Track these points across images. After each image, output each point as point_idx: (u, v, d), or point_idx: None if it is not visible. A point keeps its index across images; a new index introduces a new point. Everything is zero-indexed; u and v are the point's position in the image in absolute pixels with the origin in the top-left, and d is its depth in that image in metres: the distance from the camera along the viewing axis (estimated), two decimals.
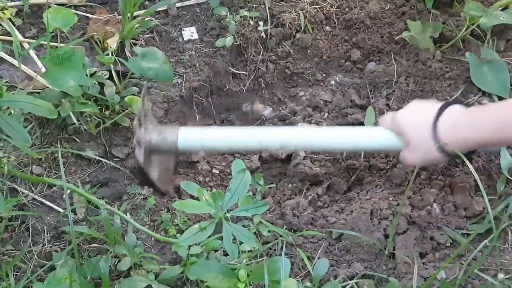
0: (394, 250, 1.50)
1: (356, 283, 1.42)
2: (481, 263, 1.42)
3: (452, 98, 1.79)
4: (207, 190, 1.39)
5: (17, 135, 1.20)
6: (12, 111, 1.45)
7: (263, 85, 1.98)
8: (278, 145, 1.60)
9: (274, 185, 1.73)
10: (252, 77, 1.96)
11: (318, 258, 1.48)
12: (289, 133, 1.62)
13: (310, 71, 2.01)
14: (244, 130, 1.68)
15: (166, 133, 1.56)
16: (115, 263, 1.39)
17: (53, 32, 1.68)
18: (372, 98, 1.92)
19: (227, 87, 1.93)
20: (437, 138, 1.45)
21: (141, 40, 1.84)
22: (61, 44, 1.70)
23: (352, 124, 1.85)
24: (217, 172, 1.77)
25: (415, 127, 1.50)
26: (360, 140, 1.61)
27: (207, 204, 1.25)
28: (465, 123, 1.44)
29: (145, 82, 1.69)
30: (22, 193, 1.51)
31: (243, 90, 1.96)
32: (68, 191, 1.41)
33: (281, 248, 1.45)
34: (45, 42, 1.57)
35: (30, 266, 1.41)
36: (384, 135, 1.57)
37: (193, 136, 1.58)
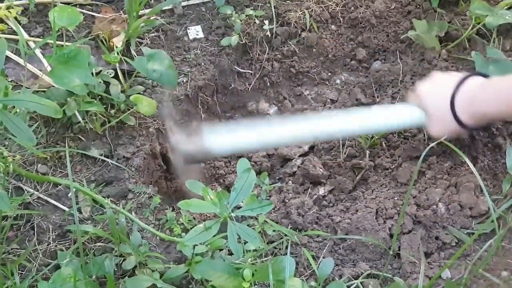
0: (399, 249, 1.50)
1: (361, 282, 1.42)
2: (486, 262, 1.42)
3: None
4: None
5: (22, 134, 1.20)
6: (18, 110, 1.45)
7: (268, 84, 1.98)
8: (310, 137, 1.61)
9: (279, 184, 1.73)
10: (257, 76, 1.96)
11: (323, 258, 1.48)
12: (319, 123, 1.62)
13: (315, 70, 2.01)
14: (275, 128, 1.66)
15: (198, 144, 1.58)
16: (120, 262, 1.40)
17: (58, 31, 1.68)
18: (378, 97, 1.92)
19: (233, 86, 1.93)
20: (454, 112, 1.45)
21: (146, 39, 1.84)
22: (67, 43, 1.70)
23: None
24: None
25: (435, 101, 1.51)
26: (388, 120, 1.60)
27: (212, 204, 1.25)
28: (481, 97, 1.44)
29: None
30: (28, 192, 1.51)
31: (248, 89, 1.96)
32: (74, 189, 1.41)
33: (286, 247, 1.44)
34: (51, 41, 1.57)
35: (35, 265, 1.41)
36: (410, 111, 1.57)
37: (225, 143, 1.59)
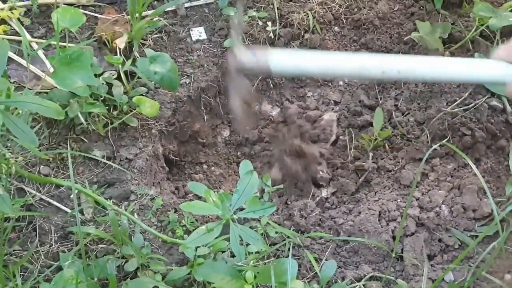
0: (402, 252, 1.50)
1: (363, 285, 1.42)
2: (489, 265, 1.41)
3: None
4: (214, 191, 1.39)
5: (24, 136, 1.20)
6: (20, 111, 1.45)
7: (271, 85, 1.98)
8: (379, 71, 1.46)
9: (281, 186, 1.73)
10: (260, 77, 1.96)
11: (326, 260, 1.48)
12: (394, 59, 1.48)
13: None
14: (342, 56, 1.54)
15: (257, 56, 1.45)
16: (122, 264, 1.39)
17: (61, 32, 1.68)
18: (381, 99, 1.91)
19: None
20: None
21: (149, 40, 1.84)
22: (70, 44, 1.70)
23: (362, 126, 1.85)
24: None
25: None
26: (474, 70, 1.49)
27: (215, 205, 1.25)
28: None
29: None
30: (30, 193, 1.51)
31: (251, 90, 1.96)
32: (76, 191, 1.41)
33: (289, 249, 1.44)
34: (54, 42, 1.57)
35: (37, 267, 1.41)
36: (500, 65, 1.47)
37: (286, 61, 1.47)
